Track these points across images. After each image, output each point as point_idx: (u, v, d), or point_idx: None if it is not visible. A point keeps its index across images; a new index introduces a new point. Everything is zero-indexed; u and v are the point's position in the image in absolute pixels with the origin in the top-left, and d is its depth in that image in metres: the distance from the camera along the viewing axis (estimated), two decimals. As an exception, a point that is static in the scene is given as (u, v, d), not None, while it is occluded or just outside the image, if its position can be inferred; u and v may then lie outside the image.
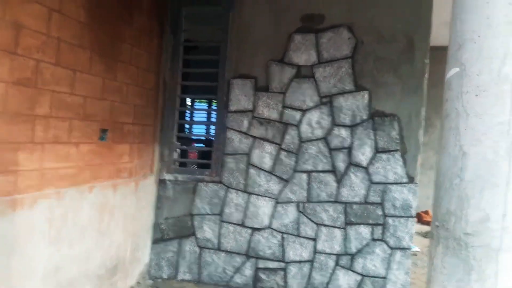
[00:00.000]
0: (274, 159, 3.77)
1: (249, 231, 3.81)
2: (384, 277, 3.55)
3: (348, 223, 3.63)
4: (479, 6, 1.49)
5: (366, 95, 3.61)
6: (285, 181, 3.75)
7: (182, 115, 7.33)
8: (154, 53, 3.82)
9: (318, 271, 3.68)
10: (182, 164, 4.48)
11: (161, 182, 3.98)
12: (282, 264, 3.74)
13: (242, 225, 3.82)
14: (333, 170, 3.66)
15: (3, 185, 2.23)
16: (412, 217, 3.52)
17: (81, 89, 2.82)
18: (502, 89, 1.43)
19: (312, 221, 3.70)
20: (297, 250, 3.72)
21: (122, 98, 3.33)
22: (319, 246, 3.68)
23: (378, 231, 3.58)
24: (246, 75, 3.83)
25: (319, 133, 3.68)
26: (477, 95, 1.47)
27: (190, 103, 8.47)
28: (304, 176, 3.71)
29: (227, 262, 3.84)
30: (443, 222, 1.59)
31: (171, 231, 3.95)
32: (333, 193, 3.65)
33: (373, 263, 3.58)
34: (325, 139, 3.68)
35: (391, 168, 3.55)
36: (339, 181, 3.65)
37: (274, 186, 3.76)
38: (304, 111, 3.72)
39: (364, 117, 3.61)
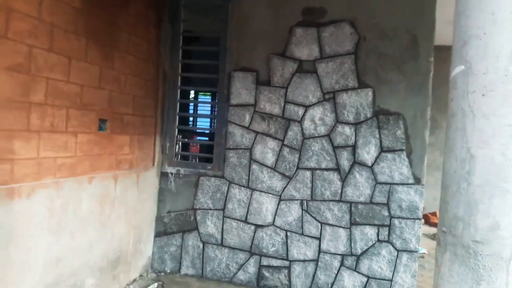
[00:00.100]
0: (277, 155, 3.71)
1: (252, 227, 3.76)
2: (390, 280, 3.48)
3: (353, 223, 3.55)
4: (484, 1, 1.42)
5: (370, 92, 3.52)
6: (288, 178, 3.68)
7: (185, 108, 7.26)
8: (152, 43, 3.77)
9: (323, 271, 3.61)
10: (184, 158, 4.44)
11: (163, 175, 3.95)
12: (286, 263, 3.69)
13: (245, 221, 3.77)
14: (337, 168, 3.58)
15: (-1, 173, 2.22)
16: (419, 219, 3.43)
17: (77, 77, 2.79)
18: (510, 89, 1.35)
19: (316, 220, 3.63)
20: (301, 249, 3.66)
21: (120, 88, 3.29)
22: (324, 246, 3.61)
23: (384, 232, 3.49)
24: (247, 68, 3.77)
25: (322, 130, 3.61)
26: (483, 95, 1.39)
27: (194, 96, 8.41)
28: (307, 173, 3.64)
29: (230, 258, 3.80)
30: (450, 228, 1.52)
31: (174, 225, 3.93)
32: (337, 191, 3.58)
33: (379, 264, 3.50)
34: (328, 136, 3.60)
35: (396, 168, 3.46)
36: (344, 179, 3.57)
37: (277, 182, 3.70)
38: (306, 107, 3.65)
39: (368, 115, 3.52)
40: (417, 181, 3.44)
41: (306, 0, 3.64)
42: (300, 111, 3.66)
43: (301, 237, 3.66)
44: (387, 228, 3.49)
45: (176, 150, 4.06)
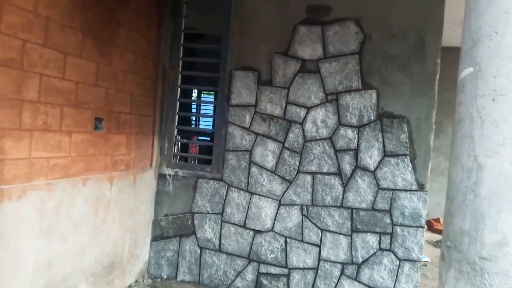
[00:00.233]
0: (277, 158, 3.62)
1: (251, 233, 3.67)
2: (391, 290, 3.37)
3: (354, 230, 3.45)
4: (497, -1, 1.31)
5: (374, 94, 3.42)
6: (289, 182, 3.59)
7: (188, 107, 7.17)
8: (153, 40, 3.68)
9: (323, 280, 3.51)
10: (183, 159, 4.36)
11: (161, 177, 3.87)
12: (285, 270, 3.60)
13: (244, 226, 3.68)
14: (338, 173, 3.48)
15: (-14, 175, 2.15)
16: (421, 227, 3.33)
17: (72, 74, 2.71)
18: (522, 94, 1.25)
19: (317, 226, 3.53)
20: (301, 256, 3.56)
21: (118, 86, 3.22)
22: (324, 253, 3.51)
23: (386, 240, 3.39)
24: (248, 67, 3.68)
25: (324, 132, 3.51)
26: (494, 100, 1.29)
27: (197, 95, 8.33)
28: (308, 177, 3.54)
29: (228, 265, 3.71)
30: (455, 243, 1.43)
31: (171, 229, 3.84)
32: (338, 197, 3.48)
33: (380, 274, 3.40)
34: (330, 139, 3.51)
35: (399, 173, 3.35)
36: (345, 184, 3.47)
37: (277, 186, 3.61)
38: (308, 108, 3.55)
39: (372, 117, 3.42)
40: (421, 187, 3.33)
41: (312, -3, 3.55)
42: (302, 112, 3.57)
43: (300, 244, 3.56)
44: (389, 236, 3.38)
45: (175, 151, 3.98)
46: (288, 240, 3.59)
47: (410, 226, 3.34)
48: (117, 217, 3.32)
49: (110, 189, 3.20)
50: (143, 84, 3.58)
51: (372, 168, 3.42)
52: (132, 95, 3.42)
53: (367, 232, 3.43)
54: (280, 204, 3.61)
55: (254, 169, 3.66)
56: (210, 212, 3.75)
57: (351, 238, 3.46)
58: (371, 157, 3.42)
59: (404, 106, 3.38)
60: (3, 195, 2.24)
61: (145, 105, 3.64)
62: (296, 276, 3.57)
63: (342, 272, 3.48)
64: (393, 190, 3.37)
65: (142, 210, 3.70)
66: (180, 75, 3.90)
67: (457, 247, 1.42)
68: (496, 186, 1.32)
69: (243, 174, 3.68)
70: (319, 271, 3.52)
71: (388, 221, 3.38)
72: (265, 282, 3.63)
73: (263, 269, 3.64)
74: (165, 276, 3.86)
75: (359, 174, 3.44)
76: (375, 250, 3.41)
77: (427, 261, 5.00)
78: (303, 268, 3.56)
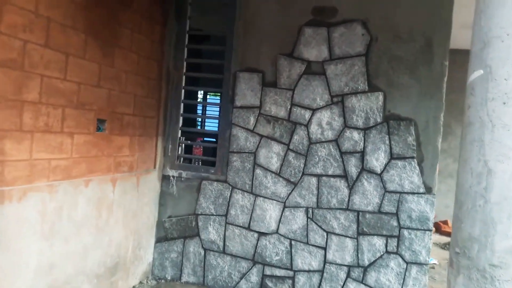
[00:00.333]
0: (282, 160, 3.57)
1: (256, 235, 3.63)
2: (398, 293, 3.31)
3: (361, 233, 3.40)
4: (508, -1, 1.26)
5: (380, 96, 3.36)
6: (293, 184, 3.54)
7: (193, 109, 7.14)
8: (156, 40, 3.66)
9: (328, 283, 3.47)
10: (187, 160, 4.33)
11: (165, 178, 3.84)
12: (290, 273, 3.55)
13: (248, 228, 3.64)
14: (344, 175, 3.43)
15: (-13, 176, 2.14)
16: (429, 230, 3.27)
17: (74, 75, 2.69)
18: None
19: (322, 229, 3.48)
20: (306, 259, 3.52)
21: (121, 87, 3.19)
22: (329, 256, 3.46)
23: (392, 243, 3.33)
24: (253, 69, 3.64)
25: (329, 134, 3.46)
26: (505, 103, 1.24)
27: (202, 96, 8.31)
28: (313, 180, 3.50)
29: (232, 267, 3.67)
30: (464, 249, 1.38)
31: (175, 230, 3.82)
32: (344, 200, 3.42)
33: (387, 277, 3.34)
34: (336, 141, 3.46)
35: (407, 176, 3.29)
36: (351, 187, 3.42)
37: (281, 189, 3.57)
38: (314, 110, 3.51)
39: (378, 120, 3.37)
40: (428, 190, 3.27)
41: (318, -2, 3.51)
42: (307, 114, 3.52)
43: (306, 246, 3.52)
44: (396, 239, 3.33)
45: (179, 152, 3.96)
46: (293, 242, 3.55)
47: (417, 229, 3.28)
48: (120, 218, 3.30)
49: (113, 191, 3.18)
50: (147, 85, 3.56)
51: (378, 171, 3.36)
52: (136, 96, 3.40)
53: (374, 235, 3.37)
54: (285, 206, 3.57)
55: (258, 171, 3.62)
56: (214, 214, 3.72)
57: (357, 241, 3.41)
58: (377, 160, 3.37)
59: (412, 109, 3.32)
60: (3, 197, 2.23)
61: (148, 106, 3.61)
62: (301, 279, 3.53)
63: (348, 275, 3.43)
64: (400, 193, 3.32)
65: (146, 212, 3.68)
66: (184, 76, 3.87)
67: (466, 254, 1.37)
68: (507, 191, 1.27)
69: (247, 176, 3.64)
70: (324, 274, 3.48)
71: (395, 224, 3.33)
72: (270, 284, 3.59)
73: (268, 271, 3.60)
74: (169, 278, 3.83)
75: (365, 177, 3.39)
76: (382, 253, 3.36)
77: (434, 264, 4.93)
78: (309, 271, 3.51)
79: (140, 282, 3.69)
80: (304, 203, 3.52)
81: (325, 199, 3.47)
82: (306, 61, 3.53)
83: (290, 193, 3.55)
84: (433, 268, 4.76)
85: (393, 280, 3.33)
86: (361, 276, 3.40)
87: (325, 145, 3.48)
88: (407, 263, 3.31)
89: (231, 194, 3.68)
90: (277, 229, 3.58)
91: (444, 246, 5.72)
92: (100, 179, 3.02)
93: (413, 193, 3.29)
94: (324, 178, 3.48)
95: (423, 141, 3.30)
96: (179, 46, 3.83)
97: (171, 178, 3.83)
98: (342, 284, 3.44)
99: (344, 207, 3.43)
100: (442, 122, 3.31)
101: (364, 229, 3.39)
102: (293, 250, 3.55)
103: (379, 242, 3.36)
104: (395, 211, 3.33)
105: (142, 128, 3.53)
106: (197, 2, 3.85)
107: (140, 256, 3.67)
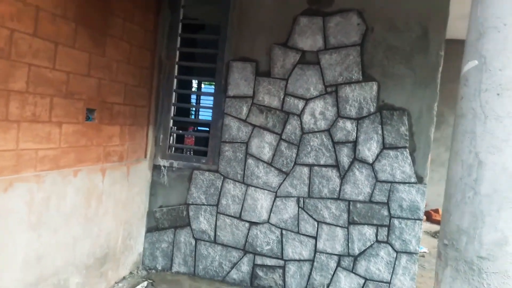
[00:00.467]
0: (274, 150, 3.55)
1: (247, 224, 3.62)
2: (389, 282, 3.35)
3: (351, 222, 3.40)
4: (506, -12, 1.23)
5: (374, 86, 3.34)
6: (285, 174, 3.53)
7: (186, 98, 7.06)
8: (150, 30, 3.59)
9: (319, 272, 3.48)
10: (178, 150, 4.29)
11: (156, 168, 3.81)
12: (281, 262, 3.56)
13: (239, 218, 3.63)
14: (336, 165, 3.42)
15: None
16: (419, 219, 3.28)
17: (64, 64, 2.63)
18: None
19: (313, 218, 3.48)
20: (297, 248, 3.52)
21: (111, 76, 3.13)
22: (320, 245, 3.47)
23: (383, 232, 3.35)
24: (246, 58, 3.59)
25: (322, 124, 3.44)
26: (498, 94, 1.22)
27: (197, 86, 8.23)
28: (305, 169, 3.48)
29: (223, 256, 3.67)
30: (452, 241, 1.38)
31: (166, 220, 3.80)
32: (335, 189, 3.42)
33: (377, 266, 3.36)
34: (328, 131, 3.44)
35: (398, 166, 3.29)
36: (343, 177, 3.41)
37: (273, 178, 3.55)
38: (307, 100, 3.47)
39: (372, 110, 3.35)
40: (420, 180, 3.28)
41: (313, -13, 3.45)
42: (300, 104, 3.49)
43: (296, 236, 3.52)
44: (387, 228, 3.34)
45: (170, 142, 3.91)
46: (284, 232, 3.55)
47: (408, 219, 3.30)
48: (110, 208, 3.26)
49: (103, 181, 3.14)
50: (139, 74, 3.49)
51: (370, 161, 3.36)
52: (127, 86, 3.34)
53: (364, 224, 3.38)
54: (276, 196, 3.56)
55: (250, 161, 3.60)
56: (205, 203, 3.70)
57: (348, 230, 3.42)
58: (369, 150, 3.36)
59: (406, 99, 3.31)
60: (-12, 187, 2.18)
61: (140, 95, 3.55)
62: (292, 268, 3.54)
63: (338, 264, 3.44)
64: (391, 182, 3.32)
65: (136, 202, 3.65)
66: (176, 66, 3.81)
67: (454, 246, 1.37)
68: (498, 184, 1.26)
69: (239, 165, 3.62)
70: (315, 263, 3.49)
71: (386, 213, 3.34)
72: (260, 273, 3.60)
73: (258, 260, 3.61)
74: (160, 268, 3.82)
75: (357, 167, 3.38)
76: (372, 242, 3.37)
77: (425, 252, 4.98)
78: (299, 260, 3.52)
79: (131, 273, 3.68)
80: (295, 193, 3.51)
81: (317, 189, 3.46)
82: (301, 51, 3.48)
83: (281, 183, 3.54)
84: (423, 256, 4.81)
85: (383, 269, 3.35)
86: (351, 265, 3.42)
87: (318, 135, 3.45)
88: (397, 252, 3.33)
89: (222, 184, 3.66)
90: (268, 218, 3.58)
91: (434, 235, 5.77)
92: (89, 169, 2.97)
93: (404, 183, 3.29)
94: (316, 168, 3.47)
95: (416, 131, 3.29)
96: (172, 35, 3.76)
97: (162, 168, 3.79)
98: (332, 273, 3.46)
99: (335, 196, 3.43)
100: (436, 112, 3.30)
101: (355, 218, 3.40)
102: (284, 240, 3.55)
103: (369, 232, 3.38)
104: (386, 201, 3.33)
105: (133, 117, 3.48)
106: (191, -10, 3.78)
107: (130, 246, 3.65)
